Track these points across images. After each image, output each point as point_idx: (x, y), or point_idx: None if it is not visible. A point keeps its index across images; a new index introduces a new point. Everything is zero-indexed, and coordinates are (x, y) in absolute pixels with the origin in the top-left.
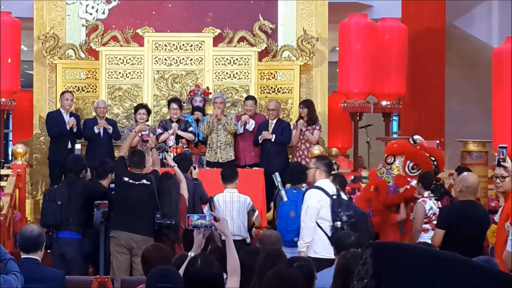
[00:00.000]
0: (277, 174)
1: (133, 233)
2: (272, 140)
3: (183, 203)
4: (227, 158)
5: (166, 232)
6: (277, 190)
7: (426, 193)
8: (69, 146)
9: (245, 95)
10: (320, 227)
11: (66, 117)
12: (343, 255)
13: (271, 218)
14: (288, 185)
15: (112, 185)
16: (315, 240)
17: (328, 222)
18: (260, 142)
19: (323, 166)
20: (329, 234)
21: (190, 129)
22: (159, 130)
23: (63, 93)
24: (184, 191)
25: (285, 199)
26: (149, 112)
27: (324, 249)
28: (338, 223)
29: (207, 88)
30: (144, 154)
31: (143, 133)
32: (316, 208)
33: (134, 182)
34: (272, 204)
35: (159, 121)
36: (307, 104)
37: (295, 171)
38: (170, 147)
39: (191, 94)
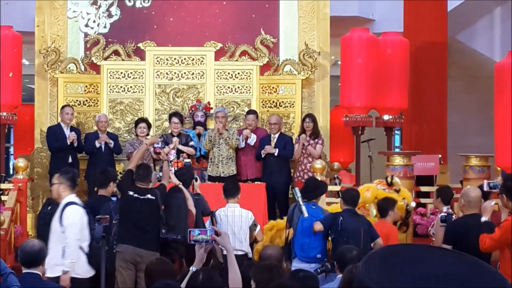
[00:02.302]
0: (297, 189)
1: (139, 248)
2: (275, 154)
3: (191, 219)
4: (228, 173)
5: (175, 246)
6: (293, 206)
7: (445, 208)
8: (70, 160)
9: (246, 109)
10: (80, 247)
11: (67, 131)
12: (349, 270)
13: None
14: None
15: (114, 198)
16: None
17: (87, 241)
18: (263, 156)
19: (66, 181)
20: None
21: (191, 143)
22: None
23: (63, 107)
24: (192, 207)
25: (306, 214)
26: (149, 126)
27: (84, 270)
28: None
29: (209, 103)
30: (150, 168)
31: (155, 145)
32: (79, 225)
33: (139, 196)
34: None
35: (160, 135)
36: (313, 118)
37: (310, 186)
38: (171, 161)
39: (193, 109)
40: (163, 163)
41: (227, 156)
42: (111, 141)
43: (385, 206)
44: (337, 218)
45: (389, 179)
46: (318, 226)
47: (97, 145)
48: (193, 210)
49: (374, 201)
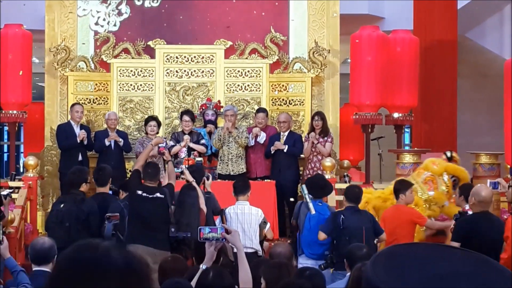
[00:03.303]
0: (304, 186)
1: (150, 247)
2: (285, 150)
3: (202, 217)
4: (238, 171)
5: (188, 243)
6: (300, 203)
7: (467, 206)
8: (80, 158)
9: (256, 107)
10: None
11: (77, 129)
12: (357, 268)
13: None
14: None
15: (110, 192)
16: None
17: None
18: (272, 152)
19: None
20: None
21: (202, 141)
22: (171, 143)
23: (73, 105)
24: (203, 206)
25: (313, 212)
26: (159, 124)
27: None
28: None
29: (219, 101)
30: (158, 166)
31: (160, 145)
32: None
33: (147, 195)
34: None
35: (171, 133)
36: (323, 116)
37: (318, 184)
38: (182, 159)
39: (203, 107)
40: (167, 164)
41: (237, 154)
42: (120, 139)
43: (398, 189)
44: (337, 217)
45: (448, 154)
46: (322, 235)
47: (107, 143)
48: (204, 209)
49: (443, 173)
